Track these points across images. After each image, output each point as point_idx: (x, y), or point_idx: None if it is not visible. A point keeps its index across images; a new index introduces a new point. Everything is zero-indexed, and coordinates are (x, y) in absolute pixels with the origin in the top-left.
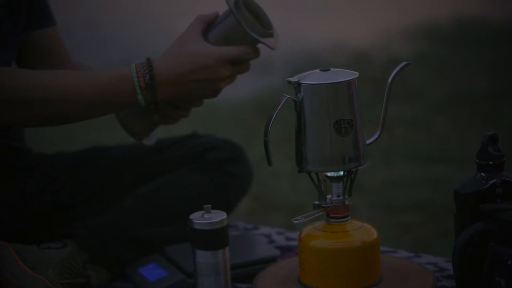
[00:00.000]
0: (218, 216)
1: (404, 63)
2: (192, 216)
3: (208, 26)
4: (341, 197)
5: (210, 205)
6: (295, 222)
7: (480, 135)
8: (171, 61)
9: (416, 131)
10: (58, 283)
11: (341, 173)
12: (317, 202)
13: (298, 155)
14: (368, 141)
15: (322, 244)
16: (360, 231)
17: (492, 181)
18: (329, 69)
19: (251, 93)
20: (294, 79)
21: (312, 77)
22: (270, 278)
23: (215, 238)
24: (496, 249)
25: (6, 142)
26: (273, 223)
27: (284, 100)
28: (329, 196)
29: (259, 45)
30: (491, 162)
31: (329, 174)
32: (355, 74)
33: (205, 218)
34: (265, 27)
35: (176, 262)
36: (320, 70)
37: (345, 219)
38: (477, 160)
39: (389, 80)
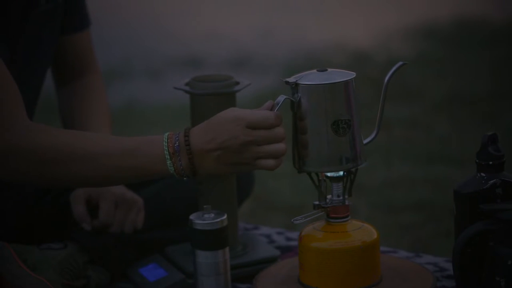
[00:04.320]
0: (218, 217)
1: (400, 63)
2: (192, 216)
3: None
4: (341, 197)
5: (210, 205)
6: (295, 222)
7: (480, 135)
8: (201, 130)
9: (416, 131)
10: (58, 283)
11: (341, 173)
12: (317, 202)
13: (294, 156)
14: (365, 141)
15: (322, 244)
16: (360, 231)
17: (492, 181)
18: (326, 69)
19: (251, 93)
20: (291, 79)
21: (310, 78)
22: (270, 278)
23: (215, 238)
24: (496, 249)
25: None
26: (273, 223)
27: (282, 100)
28: (329, 196)
29: None
30: (491, 162)
31: (329, 174)
32: (352, 74)
33: (205, 218)
34: None
35: (176, 262)
36: (317, 71)
37: (345, 219)
38: (477, 160)
39: (386, 80)
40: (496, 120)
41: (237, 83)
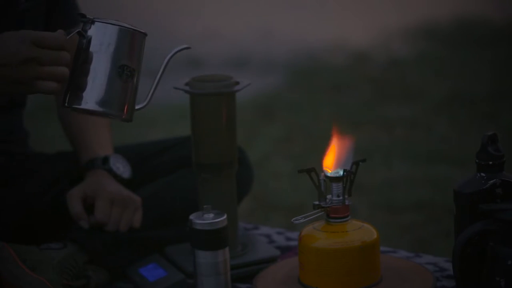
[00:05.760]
0: (218, 217)
1: (184, 46)
2: (192, 216)
3: None
4: (341, 197)
5: (210, 205)
6: (295, 222)
7: (480, 135)
8: None
9: (416, 131)
10: (58, 283)
11: (341, 173)
12: (317, 202)
13: (72, 90)
14: (136, 106)
15: (322, 244)
16: (360, 231)
17: (492, 181)
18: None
19: (251, 93)
20: (90, 17)
21: (108, 20)
22: (270, 278)
23: (215, 238)
24: (496, 249)
25: (10, 148)
26: (273, 223)
27: (75, 31)
28: (329, 196)
29: None
30: (491, 162)
31: (328, 174)
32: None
33: (205, 218)
34: None
35: (176, 262)
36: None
37: (345, 219)
38: (477, 160)
39: (166, 60)
40: (496, 120)
41: (237, 83)
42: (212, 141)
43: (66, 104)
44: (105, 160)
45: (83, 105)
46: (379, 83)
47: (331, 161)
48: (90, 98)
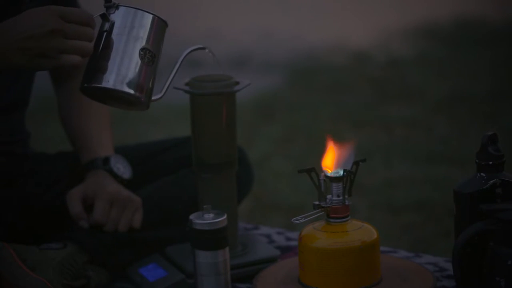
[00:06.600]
0: (218, 217)
1: (198, 46)
2: (192, 216)
3: None
4: (341, 197)
5: (210, 205)
6: (295, 222)
7: (480, 135)
8: (12, 19)
9: (416, 131)
10: (58, 283)
11: (341, 173)
12: (317, 202)
13: (93, 70)
14: (153, 97)
15: (322, 244)
16: (360, 231)
17: (492, 181)
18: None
19: (251, 93)
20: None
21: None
22: (270, 278)
23: (215, 238)
24: (496, 249)
25: (11, 149)
26: (273, 223)
27: (101, 14)
28: (329, 196)
29: None
30: (491, 162)
31: (328, 174)
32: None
33: (205, 218)
34: None
35: (176, 262)
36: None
37: (345, 219)
38: (477, 160)
39: (182, 56)
40: (496, 120)
41: (237, 83)
42: (212, 141)
43: (86, 84)
44: (106, 160)
45: (104, 84)
46: (379, 83)
47: (331, 161)
48: (111, 77)
